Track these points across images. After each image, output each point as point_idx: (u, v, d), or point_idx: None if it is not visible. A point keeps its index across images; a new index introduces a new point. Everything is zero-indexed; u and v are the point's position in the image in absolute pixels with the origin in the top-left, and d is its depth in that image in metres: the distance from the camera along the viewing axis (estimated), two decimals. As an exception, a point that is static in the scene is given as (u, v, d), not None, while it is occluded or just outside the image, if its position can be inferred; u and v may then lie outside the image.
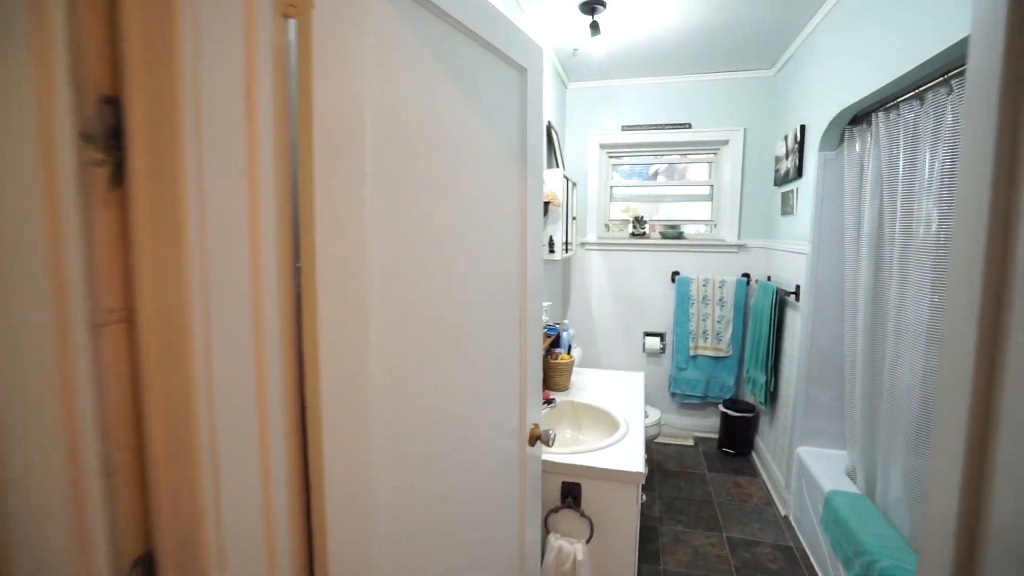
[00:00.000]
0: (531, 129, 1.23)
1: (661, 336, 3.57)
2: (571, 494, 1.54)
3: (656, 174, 3.77)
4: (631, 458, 1.57)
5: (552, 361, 2.11)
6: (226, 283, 0.54)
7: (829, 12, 2.28)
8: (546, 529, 1.55)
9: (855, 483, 2.21)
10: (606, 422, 1.92)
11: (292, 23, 0.61)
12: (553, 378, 2.13)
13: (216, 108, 0.52)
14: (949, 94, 1.60)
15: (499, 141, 1.08)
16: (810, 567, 2.22)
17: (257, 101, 0.56)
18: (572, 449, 1.60)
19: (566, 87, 3.46)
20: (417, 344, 0.84)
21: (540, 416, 1.40)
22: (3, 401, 0.42)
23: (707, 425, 3.54)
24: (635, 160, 3.64)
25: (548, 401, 1.88)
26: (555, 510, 1.55)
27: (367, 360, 0.72)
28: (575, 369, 2.44)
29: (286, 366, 0.62)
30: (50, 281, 0.43)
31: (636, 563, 1.56)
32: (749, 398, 3.33)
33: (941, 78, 1.61)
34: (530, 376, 1.31)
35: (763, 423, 3.14)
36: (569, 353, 2.23)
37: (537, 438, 1.34)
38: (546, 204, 2.50)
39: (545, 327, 2.16)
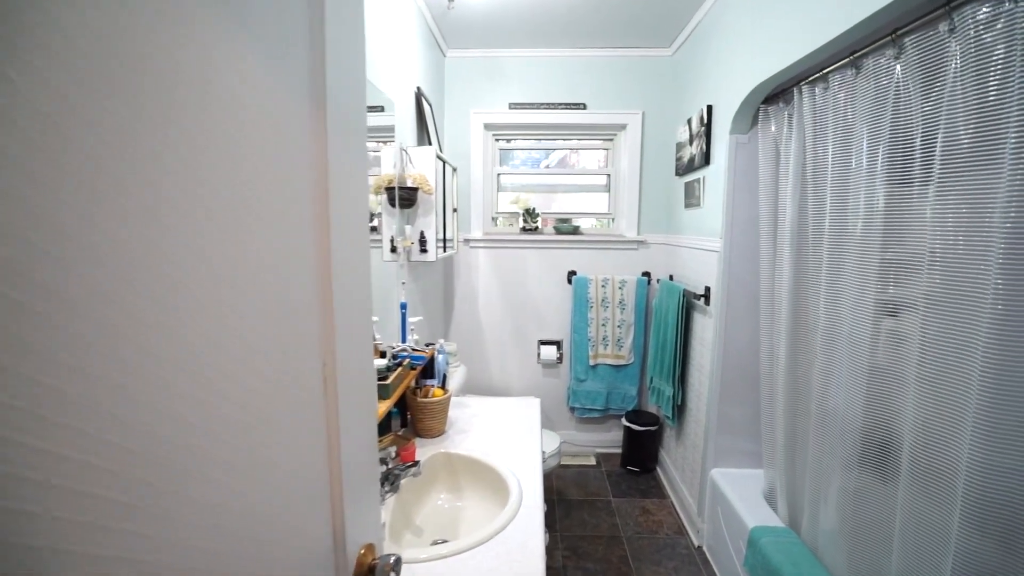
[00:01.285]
0: (333, 30, 0.66)
1: (558, 344, 3.17)
2: (440, 625, 1.01)
3: (547, 167, 3.36)
4: (526, 555, 1.08)
5: (420, 400, 1.56)
6: None
7: (739, -27, 1.97)
8: None
9: (775, 509, 1.94)
10: (493, 482, 1.42)
11: None
12: (423, 422, 1.59)
13: None
14: (898, 56, 1.30)
15: (258, 59, 0.50)
16: (732, 615, 1.91)
17: None
18: (440, 551, 1.07)
19: (444, 55, 2.91)
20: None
21: (378, 528, 0.86)
22: None
23: (609, 440, 3.21)
24: (525, 144, 3.19)
25: (412, 464, 1.34)
26: (416, 653, 1.01)
27: None
28: (456, 400, 1.92)
29: None
30: None
31: None
32: (652, 408, 3.05)
33: (889, 37, 1.31)
34: (350, 471, 0.75)
35: (668, 436, 2.86)
36: (444, 386, 1.69)
37: (371, 571, 0.79)
38: (414, 190, 1.94)
39: (408, 356, 1.60)
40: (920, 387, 1.23)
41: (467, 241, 3.07)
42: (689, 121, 2.51)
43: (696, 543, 2.32)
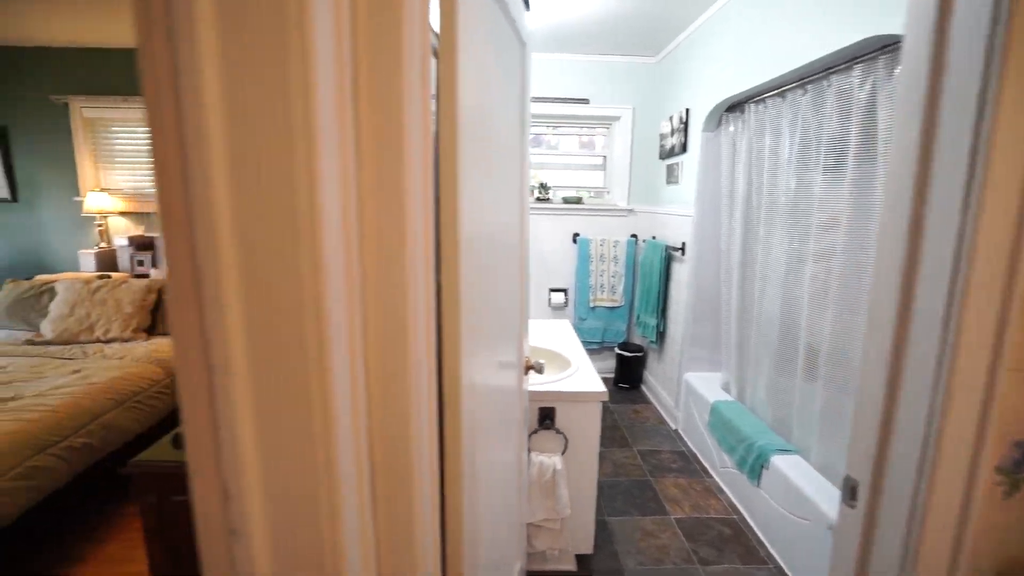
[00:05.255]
0: (526, 101, 1.43)
1: (564, 291, 4.01)
2: (548, 417, 1.84)
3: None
4: (593, 382, 1.92)
5: (503, 313, 2.37)
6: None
7: (711, 15, 2.77)
8: (527, 449, 1.84)
9: (729, 393, 2.85)
10: (558, 361, 2.25)
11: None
12: (503, 328, 2.39)
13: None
14: (803, 95, 2.14)
15: (511, 114, 1.26)
16: (699, 461, 2.84)
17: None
18: (546, 379, 1.90)
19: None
20: (488, 307, 1.04)
21: (529, 348, 1.67)
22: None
23: (605, 367, 4.11)
24: (537, 131, 3.95)
25: (509, 347, 2.14)
26: (535, 432, 1.84)
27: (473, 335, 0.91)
28: (512, 321, 2.73)
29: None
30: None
31: (598, 467, 1.94)
32: (637, 340, 3.95)
33: (798, 82, 2.14)
34: (525, 314, 1.55)
35: (651, 359, 3.77)
36: (514, 306, 2.50)
37: (531, 368, 1.60)
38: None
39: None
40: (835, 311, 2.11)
41: (494, 209, 3.82)
42: (671, 117, 3.32)
43: (674, 427, 3.24)
